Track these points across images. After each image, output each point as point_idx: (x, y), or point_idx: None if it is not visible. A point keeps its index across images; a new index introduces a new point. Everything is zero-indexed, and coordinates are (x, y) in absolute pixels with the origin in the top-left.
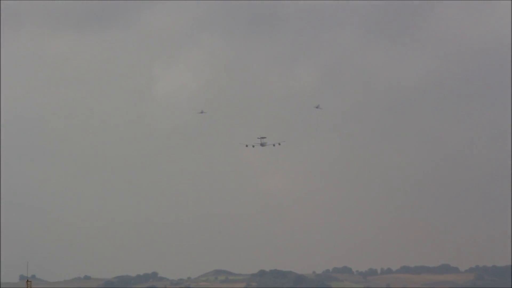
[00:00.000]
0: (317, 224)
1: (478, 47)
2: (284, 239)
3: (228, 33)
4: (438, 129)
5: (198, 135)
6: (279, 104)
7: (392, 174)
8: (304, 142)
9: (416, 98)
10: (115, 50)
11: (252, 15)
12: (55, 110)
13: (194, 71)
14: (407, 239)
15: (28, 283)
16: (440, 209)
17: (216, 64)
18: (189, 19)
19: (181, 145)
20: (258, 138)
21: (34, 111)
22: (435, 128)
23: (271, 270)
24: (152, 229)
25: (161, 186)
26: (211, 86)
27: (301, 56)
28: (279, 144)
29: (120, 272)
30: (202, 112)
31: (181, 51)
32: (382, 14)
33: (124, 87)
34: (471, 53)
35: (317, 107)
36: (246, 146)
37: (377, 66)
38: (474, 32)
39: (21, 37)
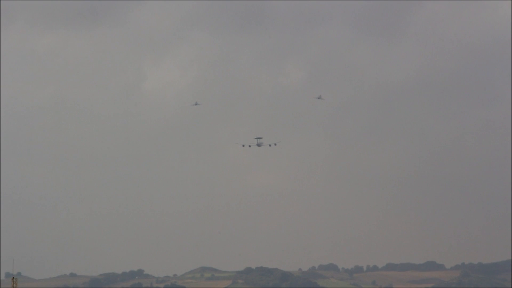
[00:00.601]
0: (303, 221)
1: (467, 44)
2: (270, 236)
3: (216, 30)
4: (426, 126)
5: (187, 132)
6: (268, 101)
7: (379, 172)
8: (291, 139)
9: (406, 95)
10: (104, 48)
11: (241, 12)
12: (44, 107)
13: (183, 68)
14: (393, 236)
15: (14, 280)
16: (426, 206)
17: (205, 61)
18: (178, 16)
19: (169, 143)
20: (255, 138)
21: (23, 107)
22: (423, 125)
23: (257, 267)
24: (138, 227)
25: (147, 184)
26: (200, 83)
27: (290, 52)
28: (275, 144)
29: (105, 269)
30: (196, 104)
31: (169, 48)
32: (371, 11)
33: (113, 84)
34: (461, 50)
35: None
36: (243, 146)
37: (366, 62)
38: (463, 29)
39: (11, 34)
